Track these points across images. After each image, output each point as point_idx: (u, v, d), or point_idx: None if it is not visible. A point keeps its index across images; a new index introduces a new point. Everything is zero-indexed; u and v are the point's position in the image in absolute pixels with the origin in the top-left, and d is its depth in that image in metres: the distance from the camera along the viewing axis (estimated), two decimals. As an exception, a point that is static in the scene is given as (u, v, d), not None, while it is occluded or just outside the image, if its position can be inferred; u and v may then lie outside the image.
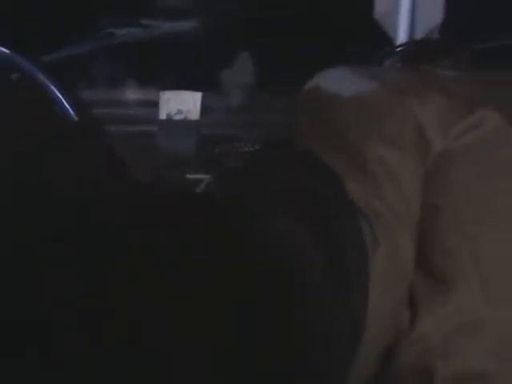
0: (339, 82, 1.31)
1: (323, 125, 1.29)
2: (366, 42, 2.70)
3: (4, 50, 2.70)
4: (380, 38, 2.79)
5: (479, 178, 1.23)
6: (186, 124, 2.66)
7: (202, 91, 2.68)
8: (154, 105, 2.72)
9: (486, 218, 1.22)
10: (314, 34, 2.86)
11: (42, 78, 2.58)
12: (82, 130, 1.34)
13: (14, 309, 0.90)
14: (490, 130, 1.24)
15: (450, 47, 1.68)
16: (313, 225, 1.14)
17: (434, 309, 1.21)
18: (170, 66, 2.89)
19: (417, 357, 1.20)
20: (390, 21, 2.78)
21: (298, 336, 1.07)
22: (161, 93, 2.72)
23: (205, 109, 2.67)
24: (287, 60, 2.82)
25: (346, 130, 1.25)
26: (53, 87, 2.53)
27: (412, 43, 2.31)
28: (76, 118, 2.17)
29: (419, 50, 1.85)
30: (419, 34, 2.73)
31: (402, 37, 2.70)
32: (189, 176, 2.37)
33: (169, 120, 2.67)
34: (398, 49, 2.21)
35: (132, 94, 2.94)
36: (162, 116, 2.69)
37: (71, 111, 2.16)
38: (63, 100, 2.23)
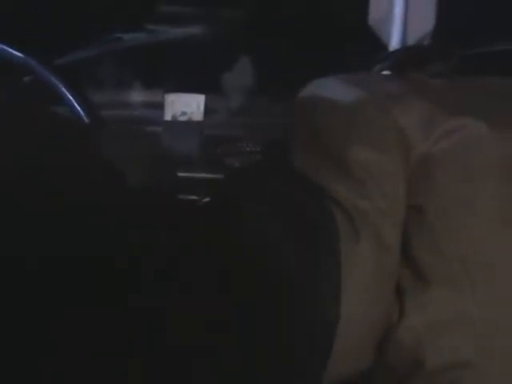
0: (328, 91, 1.29)
1: (311, 133, 1.28)
2: (360, 47, 2.65)
3: (18, 53, 2.66)
4: (374, 43, 2.75)
5: (462, 181, 1.22)
6: (189, 125, 2.63)
7: (204, 94, 2.64)
8: (159, 106, 2.69)
9: (469, 219, 1.21)
10: (312, 40, 2.82)
11: (53, 80, 2.53)
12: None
13: None
14: (471, 134, 1.22)
15: (440, 54, 1.63)
16: (294, 227, 1.10)
17: (421, 304, 1.19)
18: (175, 69, 2.85)
19: (407, 348, 1.19)
20: (383, 27, 2.76)
21: (292, 336, 1.01)
22: (166, 95, 2.69)
23: (207, 110, 2.62)
24: (286, 65, 2.77)
25: (333, 137, 1.24)
26: (64, 90, 2.49)
27: (402, 50, 2.26)
28: (86, 120, 2.14)
29: (408, 57, 1.79)
30: (411, 41, 2.71)
31: (395, 43, 2.67)
32: (190, 175, 2.31)
33: (173, 121, 2.64)
34: (389, 56, 2.15)
35: (138, 96, 2.91)
36: (167, 117, 2.66)
37: (81, 113, 2.14)
38: (74, 102, 2.23)
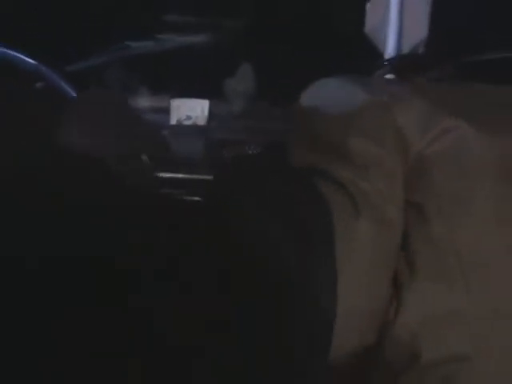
0: (331, 90, 1.29)
1: (314, 129, 1.28)
2: (357, 54, 2.63)
3: (29, 60, 2.63)
4: (370, 50, 2.71)
5: (458, 180, 1.21)
6: (194, 129, 2.63)
7: (207, 99, 2.64)
8: (165, 111, 2.68)
9: (465, 218, 1.20)
10: (310, 47, 2.80)
11: (64, 87, 2.50)
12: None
13: None
14: (465, 135, 1.21)
15: (437, 60, 1.60)
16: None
17: (417, 300, 1.17)
18: (180, 75, 2.81)
19: (403, 343, 1.17)
20: (379, 35, 2.75)
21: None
22: (171, 100, 2.70)
23: (210, 115, 2.59)
24: (284, 71, 2.75)
25: (335, 133, 1.25)
26: (74, 95, 2.45)
27: (402, 56, 2.23)
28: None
29: (409, 63, 1.77)
30: (406, 48, 2.69)
31: (390, 50, 2.66)
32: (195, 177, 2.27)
33: (179, 125, 2.64)
34: (389, 61, 2.14)
35: (145, 101, 2.86)
36: (173, 121, 2.66)
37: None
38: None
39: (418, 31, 2.58)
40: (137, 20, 2.97)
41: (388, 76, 1.66)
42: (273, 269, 0.95)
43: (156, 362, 0.84)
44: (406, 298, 1.17)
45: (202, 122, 2.65)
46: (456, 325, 1.17)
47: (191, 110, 2.66)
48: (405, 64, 1.78)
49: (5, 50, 2.57)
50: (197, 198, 2.00)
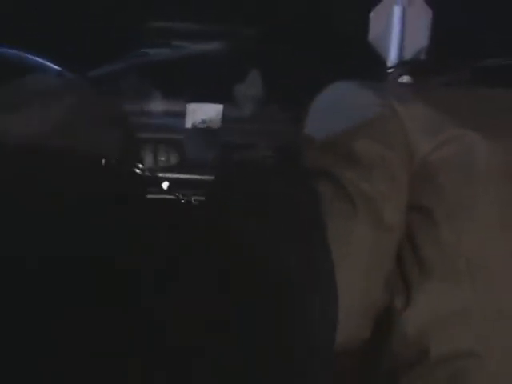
0: (343, 93, 1.30)
1: (326, 129, 1.27)
2: (361, 61, 2.58)
3: (55, 66, 2.59)
4: (374, 57, 2.69)
5: (464, 186, 1.19)
6: (209, 132, 2.56)
7: (219, 103, 2.57)
8: (181, 115, 2.61)
9: (471, 222, 1.19)
10: (318, 55, 2.74)
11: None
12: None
13: None
14: (470, 143, 1.20)
15: (445, 65, 1.55)
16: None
17: (426, 298, 1.17)
18: (194, 81, 2.75)
19: (411, 336, 1.16)
20: (382, 43, 2.69)
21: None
22: (187, 105, 2.62)
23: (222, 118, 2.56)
24: (293, 77, 2.69)
25: (345, 133, 1.24)
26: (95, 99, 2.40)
27: (409, 61, 2.19)
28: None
29: (416, 68, 1.72)
30: (408, 55, 2.65)
31: (392, 57, 2.62)
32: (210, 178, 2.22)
33: (194, 128, 2.57)
34: (400, 65, 2.11)
35: (161, 105, 2.81)
36: (188, 125, 2.59)
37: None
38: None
39: (420, 40, 2.59)
40: (154, 28, 2.92)
41: (397, 80, 1.61)
42: (273, 269, 0.89)
43: (156, 361, 0.79)
44: (415, 298, 1.16)
45: (216, 125, 2.58)
46: (463, 323, 1.15)
47: (206, 114, 2.58)
48: (414, 69, 1.73)
49: (29, 56, 2.54)
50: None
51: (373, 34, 2.69)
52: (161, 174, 2.27)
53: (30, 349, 0.77)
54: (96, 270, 0.79)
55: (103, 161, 0.88)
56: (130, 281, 0.80)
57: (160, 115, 2.79)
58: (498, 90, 1.35)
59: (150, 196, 1.00)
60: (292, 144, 1.37)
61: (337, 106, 1.28)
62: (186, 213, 0.88)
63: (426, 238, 1.18)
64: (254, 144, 2.39)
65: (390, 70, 2.20)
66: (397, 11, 2.63)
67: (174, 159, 2.50)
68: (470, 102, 1.29)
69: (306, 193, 1.09)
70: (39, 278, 0.79)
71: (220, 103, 2.56)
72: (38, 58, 2.51)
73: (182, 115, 2.59)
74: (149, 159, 2.45)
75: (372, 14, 2.68)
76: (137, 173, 1.66)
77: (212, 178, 2.24)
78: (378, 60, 2.66)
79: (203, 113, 2.58)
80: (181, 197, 1.09)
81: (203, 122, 2.58)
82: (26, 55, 2.52)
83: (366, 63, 2.61)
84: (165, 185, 1.75)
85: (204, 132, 2.56)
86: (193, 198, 1.10)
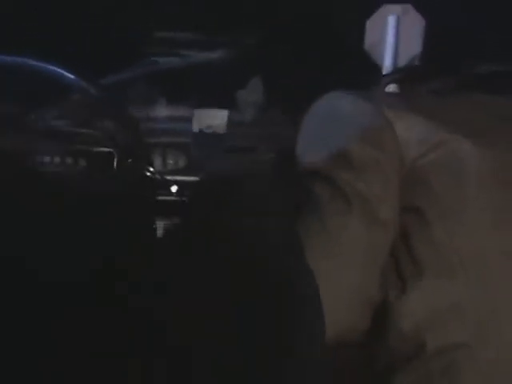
0: (339, 101, 1.28)
1: (323, 133, 1.27)
2: (358, 68, 2.54)
3: (70, 75, 2.56)
4: (369, 65, 2.65)
5: (456, 189, 1.18)
6: (214, 136, 2.56)
7: (224, 109, 2.55)
8: (188, 120, 2.60)
9: (464, 222, 1.17)
10: (317, 62, 2.71)
11: (101, 99, 2.42)
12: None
13: None
14: (460, 148, 1.19)
15: (436, 72, 1.51)
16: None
17: (421, 294, 1.15)
18: (200, 87, 2.71)
19: (408, 330, 1.15)
20: (377, 51, 2.69)
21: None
22: (195, 110, 2.60)
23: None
24: (293, 83, 2.65)
25: (341, 137, 1.23)
26: (109, 106, 2.37)
27: (404, 69, 2.15)
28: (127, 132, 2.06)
29: (408, 74, 1.69)
30: (402, 62, 2.65)
31: (387, 64, 2.60)
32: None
33: (200, 133, 2.56)
34: (393, 73, 2.09)
35: (170, 111, 2.78)
36: (195, 129, 2.57)
37: (122, 126, 2.12)
38: (116, 118, 2.23)
39: (413, 47, 2.56)
40: (162, 39, 2.89)
41: (390, 87, 1.57)
42: (273, 269, 0.83)
43: (156, 361, 0.73)
44: (410, 294, 1.15)
45: (221, 130, 2.57)
46: (457, 317, 1.14)
47: (212, 120, 2.57)
48: (405, 75, 1.69)
49: (46, 65, 2.51)
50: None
51: (368, 42, 2.68)
52: (169, 177, 2.25)
53: (29, 349, 0.71)
54: (96, 269, 0.72)
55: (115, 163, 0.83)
56: (130, 281, 0.73)
57: (168, 121, 2.76)
58: (487, 96, 1.33)
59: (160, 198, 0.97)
60: (291, 147, 1.31)
61: (332, 114, 1.27)
62: (187, 213, 0.81)
63: (419, 238, 1.16)
64: (256, 147, 2.40)
65: (384, 77, 2.16)
66: (391, 20, 2.63)
67: (181, 162, 2.48)
68: (459, 110, 1.28)
69: (303, 194, 1.04)
70: (39, 278, 0.73)
71: (223, 108, 2.51)
72: (54, 67, 2.48)
73: (189, 120, 2.57)
74: (158, 162, 2.42)
75: (367, 23, 2.68)
76: (148, 175, 1.61)
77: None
78: (374, 67, 2.64)
79: (209, 118, 2.57)
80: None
81: (209, 126, 2.56)
82: (44, 64, 2.49)
83: (362, 70, 2.58)
84: (174, 188, 1.71)
85: (210, 136, 2.55)
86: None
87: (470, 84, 1.41)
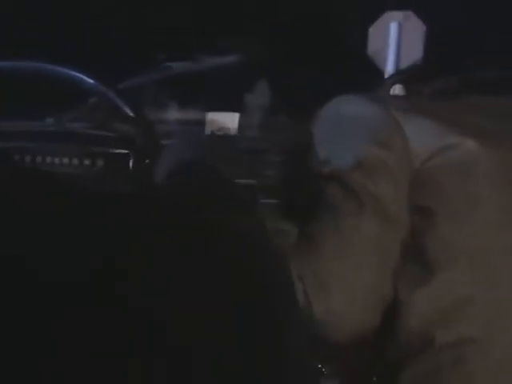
0: (349, 105, 1.28)
1: (335, 134, 1.26)
2: (362, 73, 2.51)
3: (89, 79, 2.53)
4: (373, 69, 2.60)
5: (465, 189, 1.17)
6: (226, 139, 2.48)
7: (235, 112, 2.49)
8: (201, 123, 2.51)
9: (472, 222, 1.16)
10: (323, 67, 2.67)
11: (119, 104, 2.39)
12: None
13: None
14: (467, 150, 1.17)
15: (440, 72, 1.48)
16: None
17: (431, 292, 1.14)
18: (212, 91, 2.68)
19: (418, 326, 1.14)
20: (380, 56, 2.68)
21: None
22: (207, 113, 2.53)
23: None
24: (301, 87, 2.61)
25: (351, 138, 1.23)
26: (127, 110, 2.34)
27: (408, 69, 2.11)
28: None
29: (413, 74, 1.65)
30: (404, 67, 2.59)
31: (389, 68, 2.57)
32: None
33: (212, 135, 2.48)
34: (398, 73, 2.07)
35: (183, 114, 2.74)
36: (207, 132, 2.50)
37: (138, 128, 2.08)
38: (134, 121, 2.19)
39: (415, 52, 2.56)
40: (176, 43, 2.86)
41: (395, 87, 1.54)
42: (271, 268, 0.79)
43: (156, 361, 0.68)
44: (419, 292, 1.14)
45: (233, 132, 2.49)
46: (465, 313, 1.12)
47: (224, 122, 2.50)
48: (408, 76, 1.66)
49: (65, 70, 2.49)
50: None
51: (371, 47, 2.68)
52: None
53: (29, 349, 0.66)
54: (96, 269, 0.68)
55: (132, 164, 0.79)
56: (130, 281, 0.69)
57: (179, 123, 2.73)
58: (490, 98, 1.33)
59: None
60: (302, 149, 1.32)
61: (342, 117, 1.26)
62: (187, 213, 0.77)
63: (428, 237, 1.15)
64: (267, 149, 2.36)
65: (387, 79, 2.14)
66: (393, 27, 2.61)
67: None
68: (463, 111, 1.26)
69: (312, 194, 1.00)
70: (39, 278, 0.68)
71: (233, 111, 2.49)
72: (73, 72, 2.46)
73: (199, 123, 2.52)
74: None
75: (370, 30, 2.66)
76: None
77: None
78: (377, 71, 2.61)
79: (221, 121, 2.51)
80: None
81: (221, 129, 2.49)
82: (63, 69, 2.47)
83: (366, 74, 2.55)
84: None
85: (222, 138, 2.47)
86: None
87: (472, 85, 1.39)
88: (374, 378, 1.25)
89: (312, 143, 1.28)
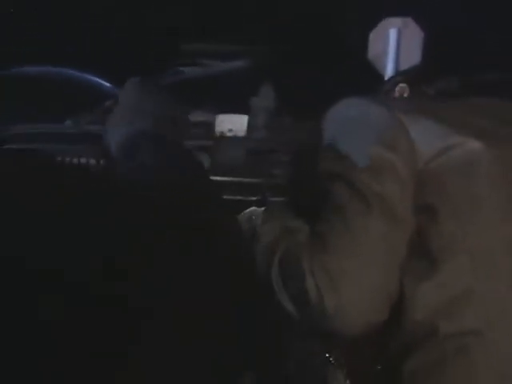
0: (355, 107, 1.25)
1: (341, 136, 1.23)
2: (362, 77, 2.46)
3: (106, 83, 2.48)
4: (373, 73, 2.59)
5: (467, 187, 1.15)
6: (235, 140, 2.45)
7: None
8: (211, 125, 2.48)
9: (474, 219, 1.15)
10: (326, 71, 2.63)
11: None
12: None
13: None
14: (470, 150, 1.15)
15: (437, 73, 1.44)
16: None
17: (435, 286, 1.13)
18: (222, 94, 2.63)
19: (423, 317, 1.13)
20: (380, 61, 2.63)
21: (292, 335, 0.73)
22: (217, 116, 2.49)
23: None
24: (306, 90, 2.57)
25: (358, 140, 1.20)
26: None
27: (410, 70, 2.07)
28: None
29: (415, 75, 1.61)
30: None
31: (389, 73, 2.55)
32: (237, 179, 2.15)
33: (222, 137, 2.46)
34: (400, 74, 2.02)
35: (194, 116, 2.70)
36: (217, 133, 2.47)
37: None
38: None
39: (413, 57, 2.54)
40: (187, 49, 2.81)
41: (399, 86, 1.50)
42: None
43: (156, 361, 0.63)
44: (424, 286, 1.12)
45: (241, 134, 2.45)
46: (467, 306, 1.11)
47: (233, 124, 2.48)
48: (409, 76, 1.61)
49: (84, 75, 2.45)
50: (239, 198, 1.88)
51: (372, 52, 2.64)
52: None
53: (29, 349, 0.62)
54: (96, 269, 0.63)
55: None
56: (130, 281, 0.64)
57: (193, 125, 2.69)
58: (489, 99, 1.30)
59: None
60: (309, 149, 1.30)
61: (349, 119, 1.23)
62: (186, 213, 0.71)
63: (432, 234, 1.14)
64: (274, 150, 2.30)
65: (388, 80, 2.09)
66: (392, 33, 2.59)
67: (205, 164, 2.43)
68: (464, 113, 1.24)
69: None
70: (39, 278, 0.64)
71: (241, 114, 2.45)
72: (92, 76, 2.42)
73: (207, 125, 2.47)
74: None
75: (371, 36, 2.64)
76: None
77: (240, 179, 2.17)
78: (377, 75, 2.57)
79: (230, 123, 2.49)
80: None
81: (230, 130, 2.47)
82: (82, 74, 2.43)
83: (366, 78, 2.50)
84: None
85: (231, 139, 2.45)
86: None
87: (472, 87, 1.35)
88: (379, 367, 1.22)
89: (318, 144, 1.26)
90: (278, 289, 1.03)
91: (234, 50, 2.76)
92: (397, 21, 2.58)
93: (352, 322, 1.10)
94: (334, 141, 1.22)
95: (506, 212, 1.15)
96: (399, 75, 1.67)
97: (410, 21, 2.54)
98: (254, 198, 1.93)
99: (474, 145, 1.15)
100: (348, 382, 1.27)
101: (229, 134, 2.46)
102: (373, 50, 2.60)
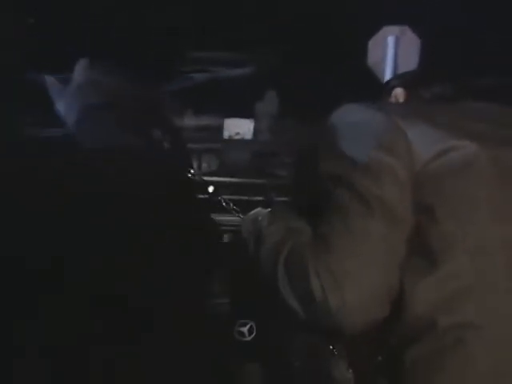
0: (355, 112, 1.18)
1: (342, 141, 1.18)
2: (362, 82, 2.42)
3: None
4: (373, 79, 2.57)
5: (465, 188, 1.11)
6: (243, 143, 2.49)
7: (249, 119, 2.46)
8: (219, 129, 2.52)
9: (472, 217, 1.10)
10: (328, 76, 2.58)
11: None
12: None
13: None
14: (467, 153, 1.11)
15: (437, 77, 1.39)
16: None
17: (434, 281, 1.08)
18: (228, 99, 2.59)
19: (423, 311, 1.08)
20: (379, 68, 2.60)
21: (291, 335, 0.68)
22: (225, 120, 2.52)
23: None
24: (308, 96, 2.52)
25: (357, 144, 1.15)
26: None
27: (407, 74, 2.04)
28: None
29: (413, 79, 1.57)
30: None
31: (388, 78, 2.48)
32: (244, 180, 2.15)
33: (230, 140, 2.50)
34: (397, 77, 1.98)
35: (203, 120, 2.67)
36: (226, 137, 2.51)
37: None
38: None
39: (410, 64, 2.51)
40: (196, 57, 2.76)
41: (396, 90, 1.46)
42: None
43: (156, 362, 0.59)
44: (423, 282, 1.08)
45: (248, 137, 2.50)
46: (465, 299, 1.08)
47: (240, 128, 2.50)
48: (407, 80, 1.57)
49: None
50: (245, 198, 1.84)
51: (371, 59, 2.62)
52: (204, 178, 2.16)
53: (29, 349, 0.60)
54: (96, 269, 0.58)
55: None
56: (130, 281, 0.59)
57: (202, 129, 2.66)
58: (484, 103, 1.24)
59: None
60: (310, 152, 1.24)
61: (349, 124, 1.19)
62: (186, 213, 0.67)
63: (431, 233, 1.09)
64: (278, 152, 2.29)
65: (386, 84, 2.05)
66: (391, 41, 2.58)
67: (214, 165, 2.42)
68: (461, 116, 1.19)
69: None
70: (39, 278, 0.59)
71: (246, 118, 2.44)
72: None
73: (213, 129, 2.51)
74: (194, 166, 2.33)
75: (370, 43, 2.63)
76: (190, 177, 1.45)
77: (246, 180, 2.13)
78: (376, 81, 2.53)
79: (238, 127, 2.50)
80: (222, 200, 0.94)
81: (238, 134, 2.49)
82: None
83: (366, 83, 2.46)
84: (210, 188, 1.60)
85: (238, 142, 2.48)
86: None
87: (468, 91, 1.31)
88: (379, 358, 1.19)
89: (319, 147, 1.20)
90: (284, 288, 1.03)
91: (236, 56, 2.72)
92: (394, 29, 2.56)
93: (354, 319, 1.07)
94: (335, 145, 1.21)
95: (501, 211, 1.11)
96: (395, 79, 1.62)
97: (407, 29, 2.53)
98: (260, 198, 1.90)
99: (471, 147, 1.12)
100: (350, 371, 1.26)
101: (236, 138, 2.47)
102: (372, 58, 2.58)
